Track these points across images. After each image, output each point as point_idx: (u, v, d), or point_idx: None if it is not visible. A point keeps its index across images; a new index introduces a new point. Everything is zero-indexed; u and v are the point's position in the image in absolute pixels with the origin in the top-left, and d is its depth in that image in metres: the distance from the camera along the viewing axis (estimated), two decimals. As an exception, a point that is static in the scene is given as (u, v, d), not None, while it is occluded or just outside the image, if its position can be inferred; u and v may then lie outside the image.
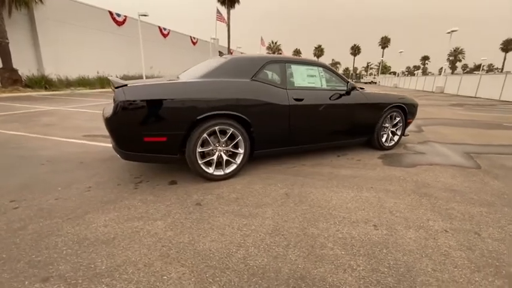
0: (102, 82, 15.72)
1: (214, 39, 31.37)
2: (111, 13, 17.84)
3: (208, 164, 2.65)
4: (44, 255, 1.56)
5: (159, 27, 22.90)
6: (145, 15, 17.93)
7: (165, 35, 23.67)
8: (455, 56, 72.00)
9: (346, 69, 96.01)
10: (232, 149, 2.73)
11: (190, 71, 3.53)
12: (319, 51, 73.80)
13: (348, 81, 3.36)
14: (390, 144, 4.05)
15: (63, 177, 2.73)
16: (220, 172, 2.70)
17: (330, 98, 3.23)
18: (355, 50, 73.38)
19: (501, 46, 62.39)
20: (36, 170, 2.90)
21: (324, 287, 1.38)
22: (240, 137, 2.69)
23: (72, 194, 2.36)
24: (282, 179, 2.83)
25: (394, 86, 39.18)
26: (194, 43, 28.61)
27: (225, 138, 2.65)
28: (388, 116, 3.87)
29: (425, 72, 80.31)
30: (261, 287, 1.37)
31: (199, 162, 2.56)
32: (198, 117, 2.43)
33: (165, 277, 1.42)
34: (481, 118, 8.19)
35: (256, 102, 2.73)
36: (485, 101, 14.91)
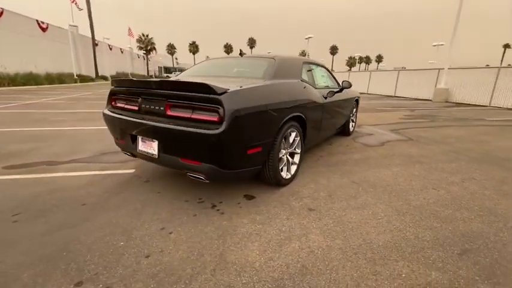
0: None
1: (72, 26, 25.13)
2: None
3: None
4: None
5: (-17, 2, 15.95)
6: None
7: (-7, 15, 16.74)
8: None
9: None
10: (294, 150, 2.72)
11: (205, 69, 3.09)
12: (194, 47, 73.46)
13: (343, 81, 3.95)
14: (351, 130, 5.07)
15: (94, 228, 1.86)
16: (288, 175, 2.65)
17: (334, 95, 3.71)
18: (228, 49, 78.18)
19: (330, 50, 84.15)
20: (26, 231, 1.79)
21: (488, 236, 1.86)
22: (299, 137, 2.72)
23: (155, 243, 1.71)
24: (328, 171, 3.09)
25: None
26: (44, 29, 21.79)
27: (292, 141, 2.61)
28: (352, 107, 4.83)
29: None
30: (460, 249, 1.69)
31: (279, 168, 2.43)
32: (283, 121, 2.30)
33: (403, 275, 1.47)
34: (356, 105, 11.15)
35: (308, 102, 2.82)
36: (342, 92, 20.07)
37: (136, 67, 45.66)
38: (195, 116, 1.89)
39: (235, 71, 2.93)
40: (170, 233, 1.83)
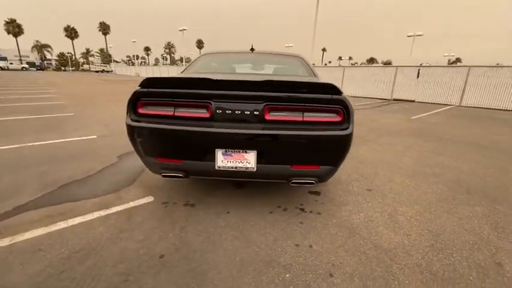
0: None
1: None
2: None
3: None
4: None
5: None
6: None
7: None
8: (170, 49, 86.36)
9: (61, 54, 79.16)
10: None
11: (221, 65, 2.76)
12: (15, 27, 53.54)
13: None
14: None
15: (226, 276, 1.46)
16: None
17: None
18: (71, 33, 62.45)
19: (196, 44, 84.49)
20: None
21: (464, 179, 2.87)
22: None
23: (315, 261, 1.60)
24: (330, 157, 3.55)
25: (136, 74, 39.03)
26: None
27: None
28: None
29: (145, 62, 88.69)
30: (464, 190, 2.58)
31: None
32: None
33: (470, 214, 2.14)
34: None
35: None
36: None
37: None
38: (308, 118, 1.79)
39: (270, 68, 2.76)
40: (311, 247, 1.70)
